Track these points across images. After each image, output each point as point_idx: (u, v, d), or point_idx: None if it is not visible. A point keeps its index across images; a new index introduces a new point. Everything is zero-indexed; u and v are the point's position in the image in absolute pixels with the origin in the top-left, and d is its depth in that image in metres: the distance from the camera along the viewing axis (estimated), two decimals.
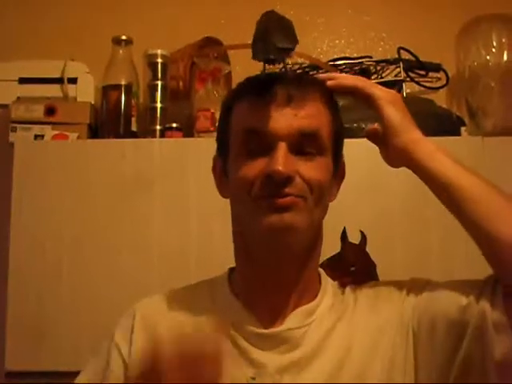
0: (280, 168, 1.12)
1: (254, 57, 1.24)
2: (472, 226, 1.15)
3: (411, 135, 1.22)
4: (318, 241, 1.27)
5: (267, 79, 1.21)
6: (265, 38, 1.21)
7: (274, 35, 1.20)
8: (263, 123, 1.17)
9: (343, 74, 1.32)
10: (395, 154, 1.24)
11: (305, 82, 1.23)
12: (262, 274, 1.23)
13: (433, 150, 1.20)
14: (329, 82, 1.25)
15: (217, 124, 2.03)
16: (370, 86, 1.26)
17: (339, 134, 1.26)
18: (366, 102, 1.25)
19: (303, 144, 1.18)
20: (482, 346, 1.12)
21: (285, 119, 1.17)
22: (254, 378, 1.17)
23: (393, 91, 1.28)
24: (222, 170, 1.27)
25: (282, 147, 1.15)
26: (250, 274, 1.25)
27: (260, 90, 1.20)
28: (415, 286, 1.25)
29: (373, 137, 1.28)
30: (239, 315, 1.23)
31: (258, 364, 1.17)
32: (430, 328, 1.18)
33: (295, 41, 1.23)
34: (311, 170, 1.17)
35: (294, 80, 1.22)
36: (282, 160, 1.13)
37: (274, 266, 1.21)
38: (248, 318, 1.22)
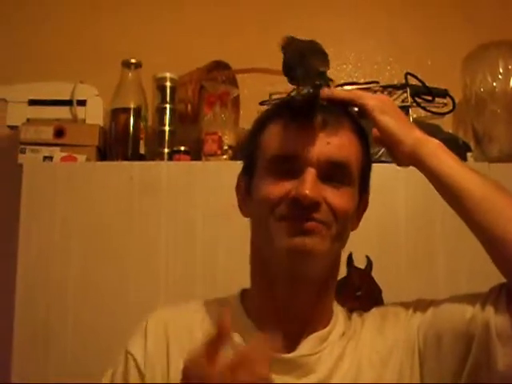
0: (308, 192, 1.12)
1: (294, 82, 1.24)
2: (478, 227, 1.16)
3: (413, 138, 1.21)
4: (335, 269, 1.27)
5: (301, 104, 1.20)
6: (304, 63, 1.21)
7: (312, 59, 1.21)
8: (295, 148, 1.17)
9: (337, 88, 1.32)
10: (403, 159, 1.24)
11: (339, 111, 1.23)
12: (278, 298, 1.22)
13: (438, 153, 1.20)
14: (322, 93, 1.23)
15: (225, 147, 2.07)
16: (362, 97, 1.24)
17: (367, 166, 1.26)
18: (361, 113, 1.24)
19: (332, 172, 1.17)
20: (488, 356, 1.12)
21: (317, 146, 1.17)
22: None
23: (384, 97, 1.30)
24: (246, 189, 1.26)
25: (312, 172, 1.15)
26: (265, 297, 1.24)
27: (294, 115, 1.19)
28: (420, 305, 1.25)
29: (379, 142, 1.27)
30: (253, 337, 1.22)
31: None
32: (436, 343, 1.18)
33: (329, 63, 1.25)
34: (338, 198, 1.17)
35: (329, 107, 1.21)
36: (310, 185, 1.13)
37: (290, 290, 1.21)
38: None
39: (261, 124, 1.26)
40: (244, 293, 1.31)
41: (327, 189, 1.16)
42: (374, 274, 1.83)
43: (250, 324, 1.24)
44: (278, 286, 1.21)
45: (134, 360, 1.24)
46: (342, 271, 1.77)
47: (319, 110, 1.19)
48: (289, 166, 1.17)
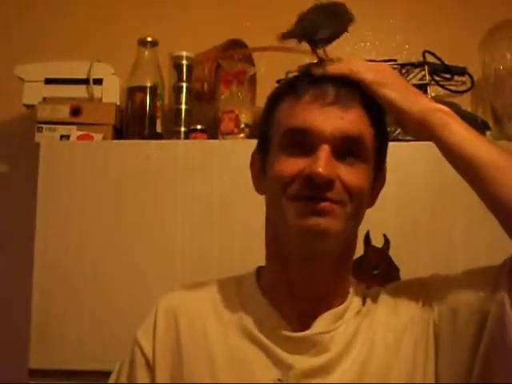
0: (321, 170, 1.10)
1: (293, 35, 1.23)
2: (492, 200, 1.11)
3: (419, 107, 1.17)
4: (351, 247, 1.26)
5: (315, 79, 1.19)
6: (309, 18, 1.20)
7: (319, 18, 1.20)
8: (307, 122, 1.15)
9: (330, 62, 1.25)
10: (411, 129, 1.20)
11: (353, 86, 1.19)
12: (293, 277, 1.21)
13: (449, 121, 1.16)
14: (314, 71, 1.21)
15: (241, 126, 2.06)
16: (358, 71, 1.20)
17: (383, 141, 1.23)
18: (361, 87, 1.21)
19: (346, 148, 1.15)
20: (503, 332, 1.09)
21: (330, 121, 1.14)
22: (280, 380, 1.16)
23: (381, 67, 1.25)
24: (261, 167, 1.25)
25: (325, 149, 1.12)
26: (280, 276, 1.23)
27: (307, 89, 1.17)
28: (435, 281, 1.24)
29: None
30: (266, 315, 1.22)
31: (285, 366, 1.16)
32: (451, 316, 1.16)
33: (347, 23, 1.23)
34: (352, 176, 1.14)
35: (343, 83, 1.18)
36: (324, 162, 1.11)
37: (305, 269, 1.20)
38: (276, 320, 1.21)
39: (274, 100, 1.24)
40: (260, 270, 1.31)
41: (341, 166, 1.14)
42: (392, 252, 1.82)
43: (264, 302, 1.24)
44: (292, 264, 1.21)
45: (141, 349, 1.25)
46: (360, 250, 1.77)
47: (334, 85, 1.17)
48: (302, 141, 1.15)
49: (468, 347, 1.14)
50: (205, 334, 1.22)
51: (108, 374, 1.31)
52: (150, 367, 1.23)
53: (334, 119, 1.15)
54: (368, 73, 1.20)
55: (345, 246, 1.22)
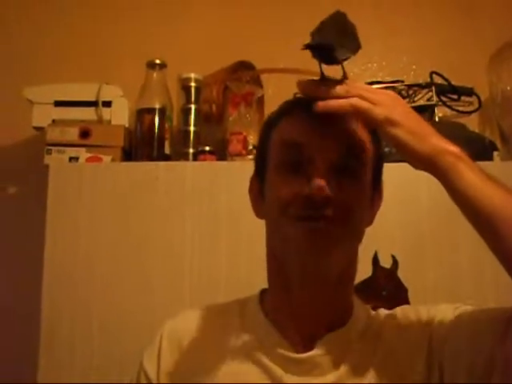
0: (319, 190, 1.10)
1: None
2: (504, 255, 1.04)
3: (429, 147, 1.09)
4: (352, 266, 1.24)
5: (310, 100, 1.16)
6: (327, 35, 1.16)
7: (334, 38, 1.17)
8: (305, 139, 1.15)
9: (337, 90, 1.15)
10: (419, 168, 1.14)
11: None
12: (293, 298, 1.21)
13: (458, 166, 1.07)
14: (319, 105, 1.12)
15: (250, 147, 2.07)
16: (363, 108, 1.10)
17: (380, 161, 1.24)
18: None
19: (343, 167, 1.15)
20: None
21: (328, 139, 1.14)
22: None
23: (389, 101, 1.13)
24: (259, 191, 1.26)
25: (322, 170, 1.13)
26: (281, 297, 1.23)
27: (303, 110, 1.16)
28: (444, 317, 1.20)
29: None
30: (269, 337, 1.22)
31: None
32: (453, 370, 1.13)
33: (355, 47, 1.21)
34: (350, 195, 1.14)
35: None
36: (321, 182, 1.11)
37: (305, 290, 1.20)
38: (278, 341, 1.20)
39: (270, 125, 1.25)
40: (263, 292, 1.31)
41: (338, 185, 1.13)
42: (400, 273, 1.82)
43: (266, 323, 1.24)
44: (292, 285, 1.21)
45: (146, 375, 1.26)
46: (368, 271, 1.77)
47: None
48: (299, 157, 1.15)
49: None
50: (205, 352, 1.23)
51: None
52: None
53: (332, 137, 1.15)
54: (377, 108, 1.10)
55: (345, 266, 1.22)
